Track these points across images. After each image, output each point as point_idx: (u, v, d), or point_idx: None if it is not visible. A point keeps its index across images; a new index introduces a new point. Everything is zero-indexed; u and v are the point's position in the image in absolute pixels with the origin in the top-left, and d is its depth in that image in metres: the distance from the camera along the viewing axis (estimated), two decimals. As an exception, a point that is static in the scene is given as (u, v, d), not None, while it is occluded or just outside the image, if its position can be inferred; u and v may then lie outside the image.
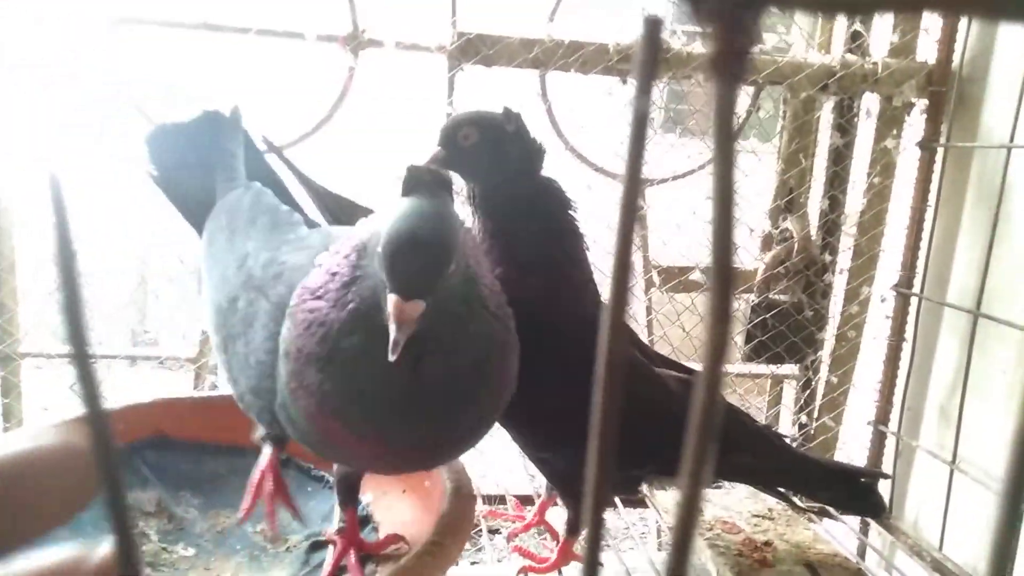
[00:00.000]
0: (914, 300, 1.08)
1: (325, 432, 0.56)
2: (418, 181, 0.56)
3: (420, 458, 0.61)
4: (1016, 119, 0.92)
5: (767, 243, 1.09)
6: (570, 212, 0.80)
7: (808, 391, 1.16)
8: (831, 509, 1.12)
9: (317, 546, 0.77)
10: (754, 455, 0.83)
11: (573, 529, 0.83)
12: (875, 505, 0.89)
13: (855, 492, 0.88)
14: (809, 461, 0.93)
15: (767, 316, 1.08)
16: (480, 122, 0.77)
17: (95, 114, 0.98)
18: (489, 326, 0.58)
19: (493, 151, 0.77)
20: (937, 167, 1.05)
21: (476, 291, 0.57)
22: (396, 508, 0.82)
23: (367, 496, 0.84)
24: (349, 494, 0.72)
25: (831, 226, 1.10)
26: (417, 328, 0.50)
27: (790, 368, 1.17)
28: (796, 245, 1.07)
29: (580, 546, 0.83)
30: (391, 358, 0.49)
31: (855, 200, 1.11)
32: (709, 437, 0.19)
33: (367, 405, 0.54)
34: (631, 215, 0.20)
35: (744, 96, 1.05)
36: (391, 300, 0.50)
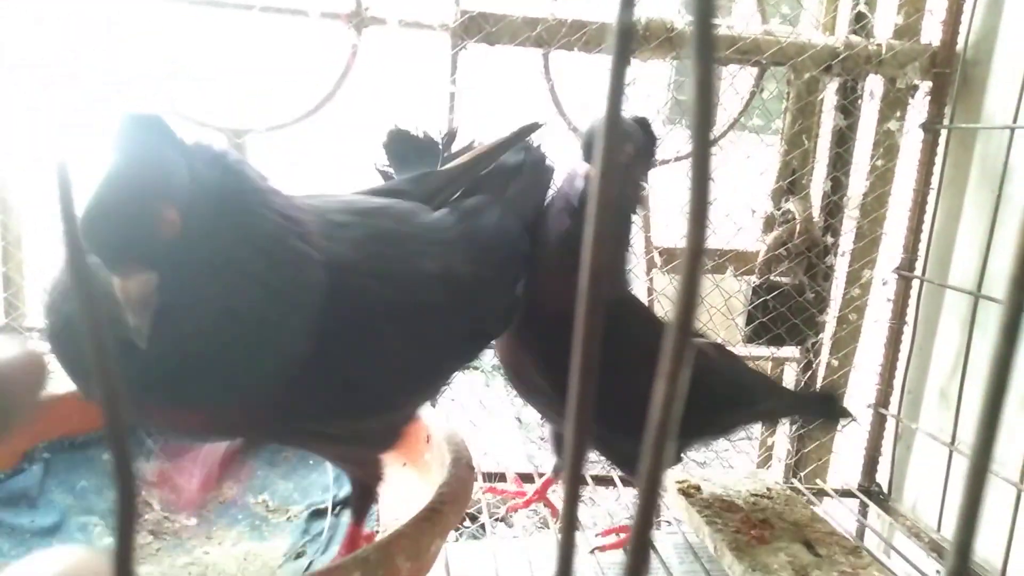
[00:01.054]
0: (915, 282, 1.08)
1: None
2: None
3: (210, 418, 0.53)
4: (1020, 100, 0.92)
5: (769, 224, 1.09)
6: None
7: (809, 373, 1.16)
8: (829, 489, 1.13)
9: (317, 515, 0.78)
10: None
11: None
12: (843, 411, 0.96)
13: (824, 408, 0.96)
14: (783, 391, 0.98)
15: (768, 298, 1.08)
16: (635, 136, 0.75)
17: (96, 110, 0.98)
18: (261, 269, 0.49)
19: (639, 165, 0.77)
20: (940, 149, 1.05)
21: (251, 232, 0.49)
22: (395, 481, 0.83)
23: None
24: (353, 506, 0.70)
25: (833, 208, 1.10)
26: (161, 301, 0.44)
27: (791, 351, 1.17)
28: (798, 227, 1.07)
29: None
30: (142, 345, 0.43)
31: (858, 182, 1.11)
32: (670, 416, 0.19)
33: (135, 382, 0.45)
34: (615, 138, 0.20)
35: (748, 77, 1.05)
36: (115, 282, 0.43)
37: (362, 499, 0.69)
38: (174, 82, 1.01)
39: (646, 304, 0.86)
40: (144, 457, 0.82)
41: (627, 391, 0.77)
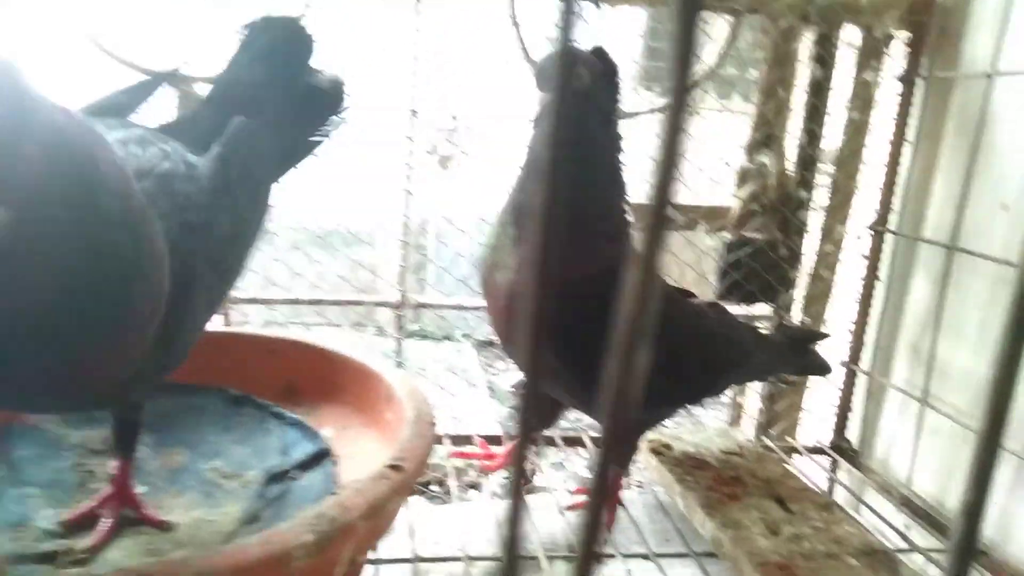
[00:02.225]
0: (889, 238, 1.06)
1: None
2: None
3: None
4: (998, 48, 0.90)
5: (743, 179, 1.07)
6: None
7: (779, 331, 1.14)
8: (800, 446, 1.12)
9: (273, 479, 0.74)
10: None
11: (623, 463, 0.86)
12: (822, 366, 0.98)
13: (806, 362, 0.97)
14: (771, 340, 0.99)
15: (741, 254, 1.06)
16: (590, 61, 0.71)
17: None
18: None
19: (600, 95, 0.73)
20: (917, 101, 1.03)
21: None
22: (358, 442, 0.80)
23: (327, 431, 0.82)
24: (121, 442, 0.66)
25: (808, 161, 1.08)
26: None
27: (763, 308, 1.15)
28: (772, 181, 1.04)
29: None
30: None
31: (833, 135, 1.08)
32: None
33: None
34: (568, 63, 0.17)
35: (724, 25, 1.01)
36: None
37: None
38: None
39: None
40: (87, 425, 0.78)
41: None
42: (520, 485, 0.21)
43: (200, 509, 0.71)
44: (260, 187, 0.69)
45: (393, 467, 0.60)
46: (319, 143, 0.79)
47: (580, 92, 0.70)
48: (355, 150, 1.03)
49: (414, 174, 1.05)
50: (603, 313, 0.72)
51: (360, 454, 0.78)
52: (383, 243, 2.18)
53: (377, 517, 0.57)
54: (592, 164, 0.73)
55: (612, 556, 0.80)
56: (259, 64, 0.71)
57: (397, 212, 1.07)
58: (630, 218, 0.84)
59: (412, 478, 0.62)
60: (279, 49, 0.72)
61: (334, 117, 0.78)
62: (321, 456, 0.78)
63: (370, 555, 0.71)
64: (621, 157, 0.78)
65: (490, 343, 3.35)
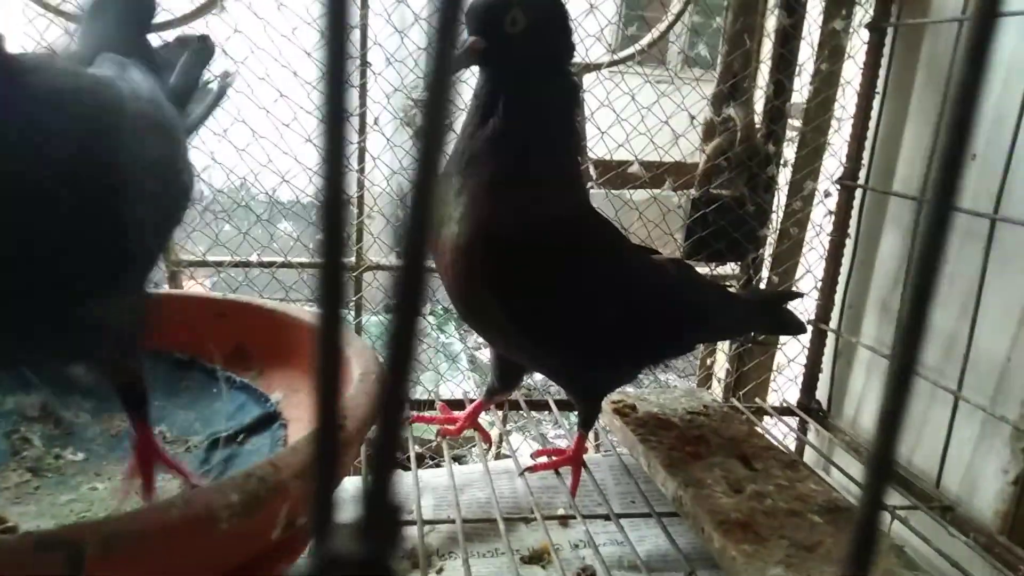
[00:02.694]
0: (858, 193, 1.04)
1: None
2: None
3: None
4: (969, -8, 0.87)
5: (709, 133, 1.03)
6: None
7: (749, 290, 1.12)
8: (768, 407, 1.11)
9: (216, 445, 0.71)
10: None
11: (586, 424, 0.85)
12: (798, 325, 0.95)
13: (779, 320, 0.95)
14: (742, 299, 0.99)
15: (708, 211, 1.03)
16: (527, 5, 0.67)
17: None
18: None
19: (540, 41, 0.68)
20: (886, 51, 1.00)
21: None
22: (307, 404, 0.77)
23: (277, 395, 0.79)
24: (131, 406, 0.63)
25: (776, 114, 1.05)
26: None
27: (731, 267, 1.13)
28: (739, 134, 1.01)
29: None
30: None
31: (802, 87, 1.05)
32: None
33: None
34: None
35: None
36: None
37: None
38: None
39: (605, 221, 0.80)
40: (23, 391, 0.75)
41: (586, 319, 0.73)
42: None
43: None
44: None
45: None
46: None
47: (515, 37, 0.67)
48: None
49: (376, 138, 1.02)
50: (551, 267, 0.69)
51: (308, 416, 0.75)
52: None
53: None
54: (532, 113, 0.70)
55: (573, 518, 0.78)
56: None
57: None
58: (580, 168, 0.81)
59: (355, 436, 0.59)
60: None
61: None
62: (270, 419, 0.76)
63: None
64: (572, 104, 0.75)
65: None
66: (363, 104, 1.00)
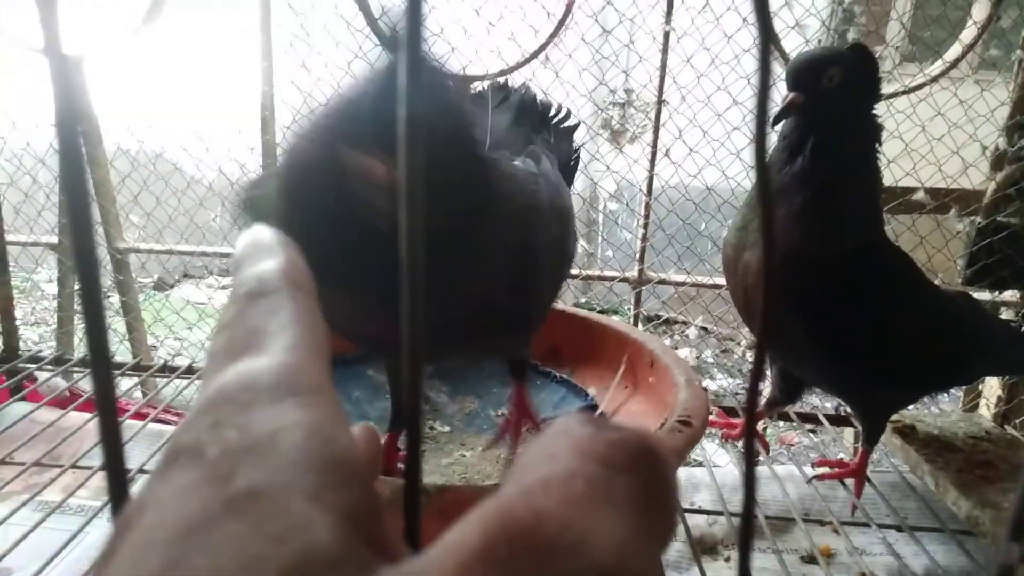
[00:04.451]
0: None
1: None
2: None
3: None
4: None
5: (999, 162, 1.04)
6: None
7: (1030, 318, 1.11)
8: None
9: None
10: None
11: (870, 440, 0.89)
12: None
13: None
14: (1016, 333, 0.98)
15: (994, 239, 1.04)
16: (841, 61, 0.75)
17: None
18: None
19: (852, 92, 0.76)
20: None
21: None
22: (625, 405, 0.89)
23: (591, 390, 0.92)
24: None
25: (1075, 143, 1.03)
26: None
27: (1010, 293, 1.12)
28: (1032, 164, 1.01)
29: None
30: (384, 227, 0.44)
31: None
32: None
33: None
34: None
35: (985, 1, 0.99)
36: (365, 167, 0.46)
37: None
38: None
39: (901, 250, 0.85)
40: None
41: (883, 343, 0.80)
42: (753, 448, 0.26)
43: (497, 448, 0.84)
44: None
45: (683, 422, 0.68)
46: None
47: (830, 91, 0.75)
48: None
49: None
50: (853, 291, 0.77)
51: (624, 412, 0.87)
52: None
53: (677, 464, 0.65)
54: (837, 151, 0.77)
55: (867, 525, 0.85)
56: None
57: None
58: (880, 202, 0.86)
59: (698, 434, 0.70)
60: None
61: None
62: (591, 411, 0.89)
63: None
64: (874, 142, 0.81)
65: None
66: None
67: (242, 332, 0.18)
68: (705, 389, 0.79)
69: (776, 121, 0.79)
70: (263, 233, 0.21)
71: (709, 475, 0.98)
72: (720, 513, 0.84)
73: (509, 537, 0.13)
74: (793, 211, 0.78)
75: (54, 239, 1.31)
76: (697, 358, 3.29)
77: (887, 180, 1.05)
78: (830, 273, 0.78)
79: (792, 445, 1.95)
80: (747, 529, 0.23)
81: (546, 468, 0.15)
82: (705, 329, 3.09)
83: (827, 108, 0.76)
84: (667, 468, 0.17)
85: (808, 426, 1.10)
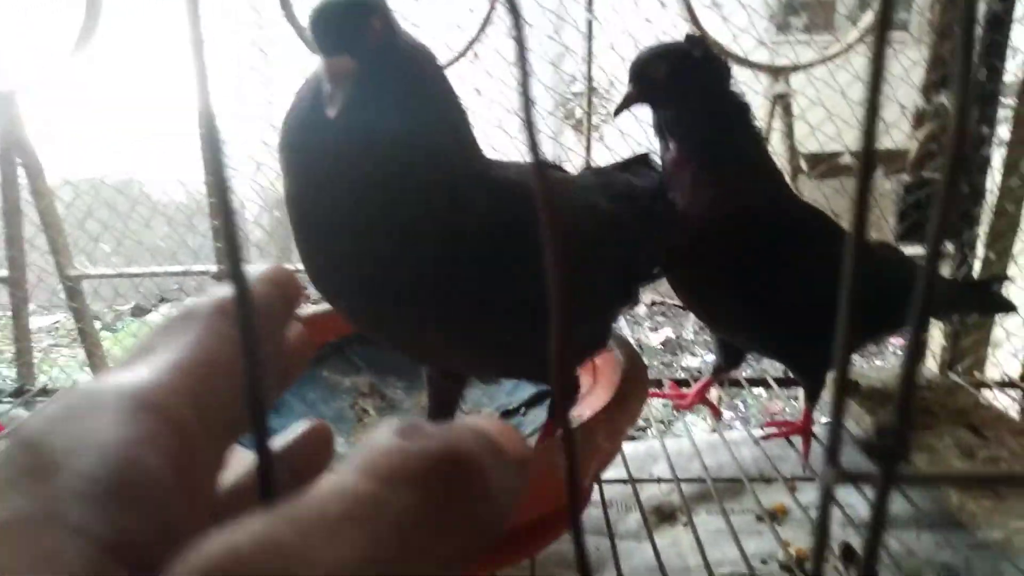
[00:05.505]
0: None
1: None
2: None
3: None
4: None
5: (920, 120, 1.08)
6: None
7: (964, 268, 1.15)
8: (988, 380, 1.13)
9: (506, 415, 0.88)
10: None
11: (812, 398, 0.93)
12: (1007, 305, 0.98)
13: (986, 301, 0.99)
14: (951, 281, 1.04)
15: (921, 195, 1.08)
16: (667, 55, 0.82)
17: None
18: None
19: (683, 80, 0.82)
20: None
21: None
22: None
23: (544, 376, 0.95)
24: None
25: (989, 97, 1.07)
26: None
27: (944, 246, 1.16)
28: (951, 120, 1.04)
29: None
30: (332, 113, 0.49)
31: (1015, 67, 1.07)
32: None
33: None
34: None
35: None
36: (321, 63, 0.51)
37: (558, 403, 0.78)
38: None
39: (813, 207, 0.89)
40: (354, 373, 0.95)
41: (805, 296, 0.83)
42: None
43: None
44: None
45: (622, 397, 0.71)
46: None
47: (660, 80, 0.81)
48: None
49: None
50: (764, 250, 0.80)
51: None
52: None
53: (615, 441, 0.68)
54: (710, 126, 0.81)
55: (811, 480, 0.88)
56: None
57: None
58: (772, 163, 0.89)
59: (637, 409, 0.72)
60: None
61: None
62: (543, 396, 0.91)
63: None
64: (741, 114, 0.85)
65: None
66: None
67: (138, 348, 0.19)
68: (645, 366, 0.82)
69: (616, 113, 0.86)
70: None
71: (663, 447, 1.01)
72: (672, 480, 0.87)
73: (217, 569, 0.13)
74: (685, 188, 0.82)
75: (4, 272, 1.31)
76: (676, 337, 3.35)
77: (813, 147, 1.09)
78: (738, 237, 0.81)
79: (775, 414, 1.99)
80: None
81: (322, 483, 0.15)
82: (682, 307, 3.14)
83: (664, 96, 0.82)
84: (474, 477, 0.16)
85: (757, 390, 1.13)
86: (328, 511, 0.14)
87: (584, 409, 0.86)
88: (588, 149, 1.15)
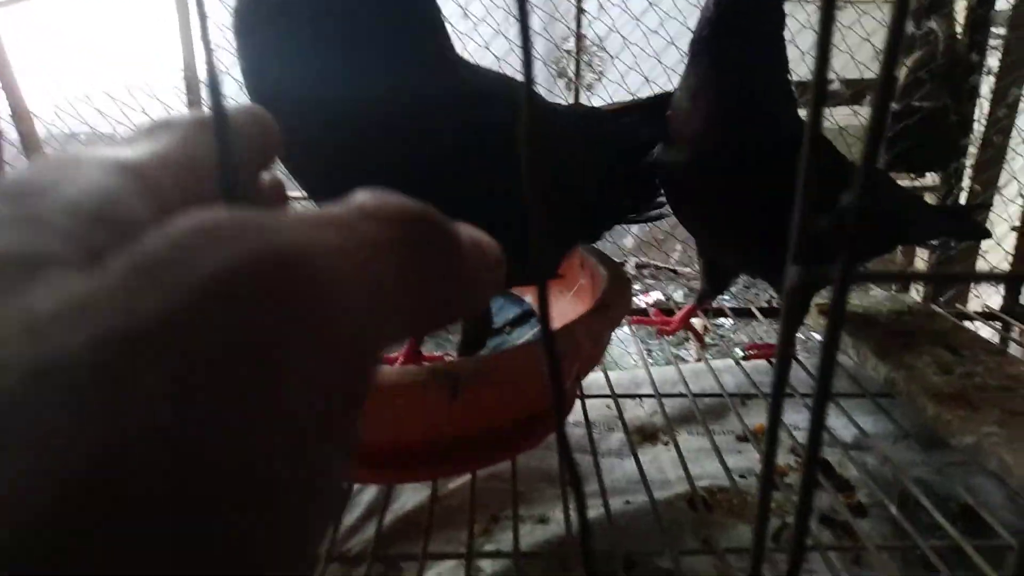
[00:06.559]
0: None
1: None
2: None
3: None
4: None
5: (909, 46, 1.07)
6: None
7: (950, 199, 1.16)
8: (970, 311, 1.14)
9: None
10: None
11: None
12: (983, 231, 1.00)
13: (964, 227, 1.01)
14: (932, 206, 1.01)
15: (910, 123, 1.07)
16: None
17: None
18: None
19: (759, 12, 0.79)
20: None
21: None
22: (557, 305, 0.93)
23: (528, 298, 0.95)
24: None
25: (979, 23, 1.06)
26: None
27: (931, 177, 1.17)
28: (941, 47, 1.04)
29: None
30: None
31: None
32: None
33: None
34: None
35: None
36: None
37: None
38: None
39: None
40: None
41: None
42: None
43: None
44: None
45: (602, 306, 0.71)
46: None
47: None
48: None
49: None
50: (775, 179, 0.80)
51: (559, 314, 0.91)
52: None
53: (597, 344, 0.69)
54: (755, 44, 0.79)
55: (791, 396, 0.89)
56: None
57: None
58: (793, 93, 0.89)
59: (618, 316, 0.73)
60: None
61: None
62: (527, 316, 0.92)
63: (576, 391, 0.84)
64: (778, 35, 0.83)
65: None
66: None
67: (118, 141, 0.19)
68: (629, 280, 0.82)
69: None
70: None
71: (649, 374, 1.03)
72: (654, 396, 0.88)
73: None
74: (711, 109, 0.81)
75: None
76: (667, 299, 3.36)
77: (803, 73, 1.07)
78: (747, 162, 0.81)
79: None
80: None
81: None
82: (674, 271, 3.16)
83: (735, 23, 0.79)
84: (451, 241, 0.17)
85: (743, 320, 1.14)
86: (305, 217, 0.14)
87: (556, 322, 0.88)
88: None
